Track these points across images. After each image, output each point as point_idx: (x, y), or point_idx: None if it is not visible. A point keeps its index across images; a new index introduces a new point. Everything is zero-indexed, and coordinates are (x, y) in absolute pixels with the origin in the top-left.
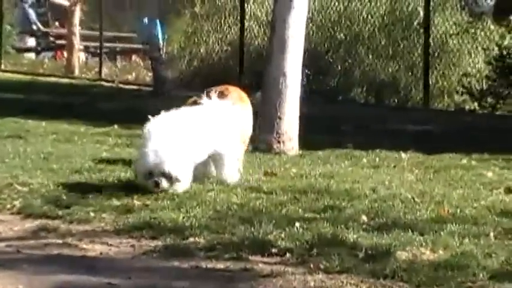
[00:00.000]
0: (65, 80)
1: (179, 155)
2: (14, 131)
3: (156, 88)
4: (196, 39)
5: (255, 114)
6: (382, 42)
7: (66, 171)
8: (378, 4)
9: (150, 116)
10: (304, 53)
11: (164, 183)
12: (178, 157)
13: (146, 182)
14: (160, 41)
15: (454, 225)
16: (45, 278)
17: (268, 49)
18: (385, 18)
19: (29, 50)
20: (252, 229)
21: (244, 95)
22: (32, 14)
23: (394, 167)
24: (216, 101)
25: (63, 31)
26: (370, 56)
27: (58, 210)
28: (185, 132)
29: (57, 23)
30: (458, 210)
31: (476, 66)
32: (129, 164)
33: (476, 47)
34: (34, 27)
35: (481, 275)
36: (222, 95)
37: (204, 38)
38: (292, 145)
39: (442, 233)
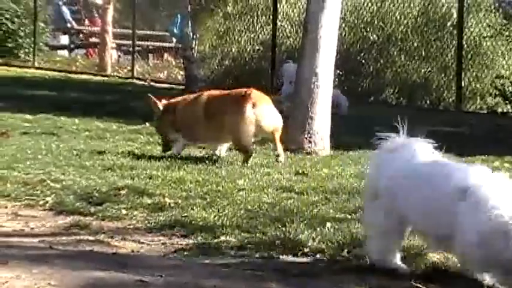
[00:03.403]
0: (98, 78)
1: None
2: (47, 128)
3: (188, 87)
4: (228, 39)
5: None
6: (415, 44)
7: (98, 168)
8: (411, 5)
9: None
10: (337, 53)
11: None
12: None
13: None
14: (192, 40)
15: None
16: (77, 274)
17: (300, 49)
18: (418, 19)
19: (62, 47)
20: (283, 229)
21: (264, 95)
22: (66, 12)
23: None
24: None
25: (96, 29)
26: (403, 57)
27: (90, 207)
28: None
29: (87, 21)
30: None
31: (510, 68)
32: (158, 161)
33: (510, 49)
34: (68, 25)
35: None
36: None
37: (236, 38)
38: (324, 145)
39: None
